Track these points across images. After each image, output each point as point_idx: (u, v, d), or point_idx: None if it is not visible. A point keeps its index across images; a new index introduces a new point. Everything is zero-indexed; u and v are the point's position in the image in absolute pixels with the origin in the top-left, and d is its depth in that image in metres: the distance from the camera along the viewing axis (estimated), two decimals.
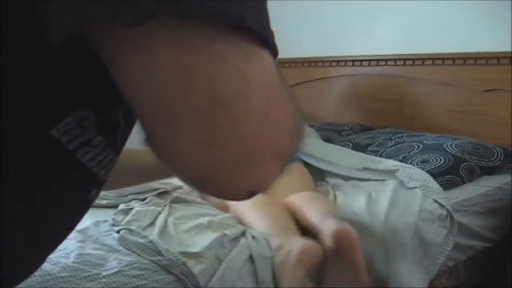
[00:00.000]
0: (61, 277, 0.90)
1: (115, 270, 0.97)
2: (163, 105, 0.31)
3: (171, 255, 1.02)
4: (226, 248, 1.12)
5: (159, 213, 1.29)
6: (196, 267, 1.02)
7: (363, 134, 2.30)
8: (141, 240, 1.06)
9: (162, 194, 1.46)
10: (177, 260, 1.01)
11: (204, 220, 1.23)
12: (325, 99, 2.89)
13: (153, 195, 1.41)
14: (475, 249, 1.75)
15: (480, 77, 2.24)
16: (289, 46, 3.10)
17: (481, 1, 2.25)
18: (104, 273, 0.95)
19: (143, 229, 1.16)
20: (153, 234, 1.12)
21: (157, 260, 1.01)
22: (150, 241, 1.06)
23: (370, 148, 2.10)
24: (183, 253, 1.05)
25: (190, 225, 1.21)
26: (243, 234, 1.21)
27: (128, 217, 1.23)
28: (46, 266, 0.91)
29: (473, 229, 1.71)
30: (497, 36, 2.20)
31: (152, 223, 1.22)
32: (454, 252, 1.65)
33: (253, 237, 1.19)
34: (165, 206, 1.35)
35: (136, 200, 1.40)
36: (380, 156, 2.00)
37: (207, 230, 1.18)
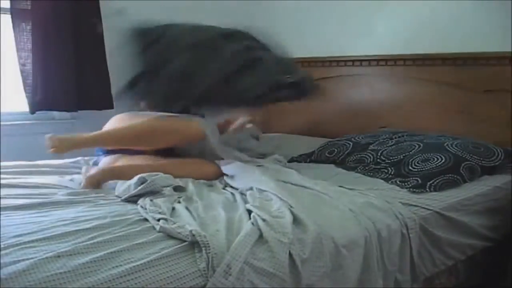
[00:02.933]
0: None
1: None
2: None
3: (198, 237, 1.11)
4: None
5: (174, 202, 1.41)
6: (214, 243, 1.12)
7: (364, 133, 2.30)
8: (179, 230, 1.16)
9: (177, 188, 1.57)
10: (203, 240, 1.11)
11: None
12: (325, 99, 2.88)
13: (170, 188, 1.52)
14: (475, 248, 1.74)
15: (480, 77, 2.24)
16: (289, 46, 3.10)
17: (481, 1, 2.26)
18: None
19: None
20: (183, 219, 1.24)
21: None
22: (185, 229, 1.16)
23: (370, 147, 2.10)
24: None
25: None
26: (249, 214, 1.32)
27: (152, 208, 1.31)
28: None
29: (473, 228, 1.71)
30: (497, 36, 2.20)
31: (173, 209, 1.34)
32: (454, 251, 1.65)
33: (264, 220, 1.24)
34: (179, 198, 1.46)
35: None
36: (380, 155, 2.00)
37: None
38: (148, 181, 1.45)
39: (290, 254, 1.17)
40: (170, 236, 1.15)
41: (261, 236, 1.19)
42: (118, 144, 1.81)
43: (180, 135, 1.80)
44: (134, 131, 1.77)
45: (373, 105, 2.65)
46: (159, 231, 1.17)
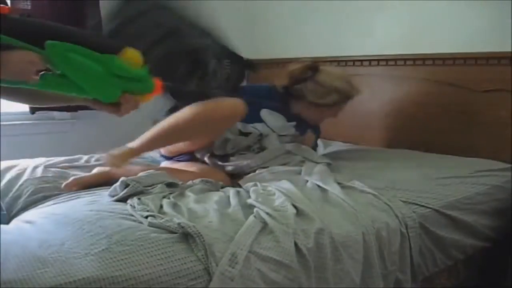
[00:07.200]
0: None
1: None
2: None
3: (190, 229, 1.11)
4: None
5: (162, 198, 1.39)
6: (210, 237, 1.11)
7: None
8: (167, 223, 1.15)
9: (170, 184, 1.55)
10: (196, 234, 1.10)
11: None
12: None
13: (162, 185, 1.50)
14: (475, 248, 1.74)
15: (480, 77, 2.23)
16: (289, 46, 3.11)
17: (481, 1, 2.26)
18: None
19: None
20: (171, 214, 1.23)
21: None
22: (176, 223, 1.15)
23: None
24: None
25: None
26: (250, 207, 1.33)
27: (139, 206, 1.30)
28: None
29: (473, 227, 1.70)
30: (497, 36, 2.19)
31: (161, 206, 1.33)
32: (454, 251, 1.64)
33: (268, 214, 1.24)
34: (170, 194, 1.45)
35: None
36: None
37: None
38: (131, 186, 1.43)
39: (296, 244, 1.17)
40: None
41: (264, 228, 1.19)
42: (171, 141, 1.71)
43: (234, 117, 1.72)
44: (187, 124, 1.64)
45: (373, 105, 2.65)
46: (149, 226, 1.16)
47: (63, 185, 1.64)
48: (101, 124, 3.01)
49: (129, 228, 1.11)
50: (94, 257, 0.97)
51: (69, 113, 2.91)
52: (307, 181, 1.66)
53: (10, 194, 1.58)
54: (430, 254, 1.56)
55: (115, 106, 0.94)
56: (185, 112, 1.65)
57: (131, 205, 1.33)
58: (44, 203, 1.52)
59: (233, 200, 1.40)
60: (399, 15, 2.56)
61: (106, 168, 1.81)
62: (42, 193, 1.58)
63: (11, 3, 2.58)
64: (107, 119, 3.39)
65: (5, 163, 1.84)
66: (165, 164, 1.96)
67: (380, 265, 1.36)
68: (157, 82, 0.96)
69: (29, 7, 2.62)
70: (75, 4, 2.73)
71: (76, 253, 0.98)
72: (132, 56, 0.91)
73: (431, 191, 1.68)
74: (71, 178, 1.64)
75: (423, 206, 1.57)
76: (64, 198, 1.52)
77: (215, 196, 1.45)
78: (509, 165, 1.99)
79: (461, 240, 1.66)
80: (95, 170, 1.81)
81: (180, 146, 1.85)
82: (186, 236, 1.11)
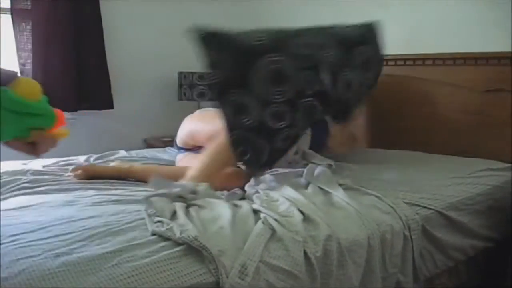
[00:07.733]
0: None
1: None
2: None
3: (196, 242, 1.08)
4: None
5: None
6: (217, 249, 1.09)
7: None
8: (169, 233, 1.12)
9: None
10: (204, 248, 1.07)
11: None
12: None
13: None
14: (476, 249, 1.74)
15: (480, 77, 2.24)
16: None
17: (481, 1, 2.26)
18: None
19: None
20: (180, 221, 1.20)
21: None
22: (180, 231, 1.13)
23: None
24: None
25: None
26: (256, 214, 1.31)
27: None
28: None
29: (474, 228, 1.70)
30: (497, 36, 2.20)
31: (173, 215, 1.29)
32: (454, 253, 1.64)
33: (276, 220, 1.23)
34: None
35: None
36: None
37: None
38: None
39: (305, 252, 1.17)
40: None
41: (273, 235, 1.18)
42: None
43: None
44: None
45: (373, 105, 2.64)
46: (152, 234, 1.14)
47: (71, 168, 1.63)
48: (101, 124, 3.02)
49: (138, 244, 1.08)
50: (103, 273, 0.95)
51: (69, 113, 2.91)
52: (309, 183, 1.65)
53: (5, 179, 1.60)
54: (431, 256, 1.55)
55: (31, 146, 0.86)
56: None
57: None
58: (41, 188, 1.54)
59: (244, 205, 1.38)
60: (399, 15, 2.56)
61: (126, 165, 1.81)
62: (39, 183, 1.60)
63: (11, 3, 2.58)
64: (107, 120, 3.39)
65: (5, 163, 1.84)
66: (182, 156, 1.96)
67: (380, 269, 1.35)
68: (59, 113, 0.86)
69: (29, 7, 2.62)
70: (75, 4, 2.73)
71: (85, 266, 0.97)
72: (26, 86, 0.80)
73: (432, 192, 1.68)
74: (85, 163, 1.64)
75: (425, 207, 1.56)
76: (65, 186, 1.55)
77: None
78: (509, 165, 2.00)
79: (462, 241, 1.66)
80: (114, 163, 1.80)
81: (199, 139, 1.89)
82: (194, 247, 1.08)
